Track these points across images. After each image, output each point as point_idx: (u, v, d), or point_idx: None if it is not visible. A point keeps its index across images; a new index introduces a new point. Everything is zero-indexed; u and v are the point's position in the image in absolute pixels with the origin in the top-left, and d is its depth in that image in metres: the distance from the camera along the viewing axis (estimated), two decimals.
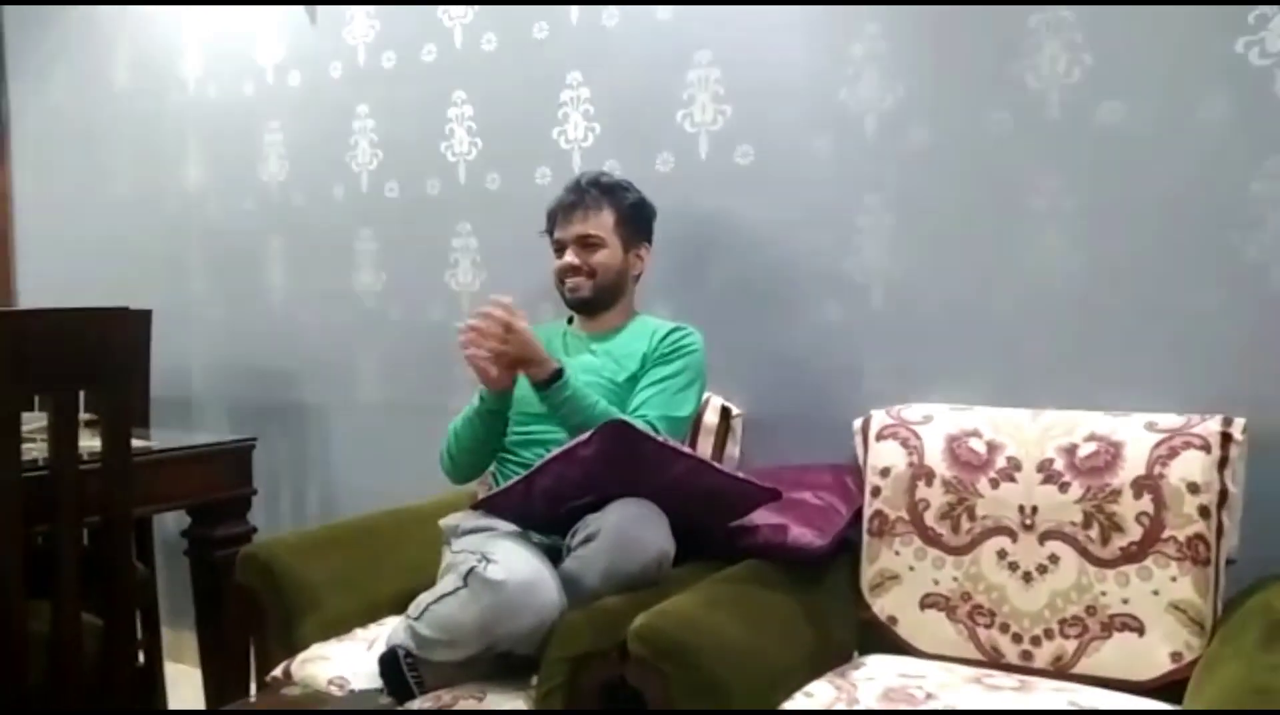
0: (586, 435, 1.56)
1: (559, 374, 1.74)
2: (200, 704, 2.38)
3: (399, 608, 1.87)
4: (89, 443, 1.91)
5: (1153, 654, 1.53)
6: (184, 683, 2.53)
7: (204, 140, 2.96)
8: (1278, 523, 1.60)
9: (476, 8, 2.45)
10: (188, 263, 3.00)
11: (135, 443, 1.99)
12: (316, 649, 1.77)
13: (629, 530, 1.55)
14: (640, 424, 1.63)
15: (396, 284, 2.64)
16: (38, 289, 3.36)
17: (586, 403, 1.75)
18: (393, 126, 2.62)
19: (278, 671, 1.74)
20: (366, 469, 2.68)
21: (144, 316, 2.63)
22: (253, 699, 2.12)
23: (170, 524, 2.74)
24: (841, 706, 1.45)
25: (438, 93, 2.53)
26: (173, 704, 2.46)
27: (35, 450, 1.93)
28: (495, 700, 1.53)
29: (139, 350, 2.58)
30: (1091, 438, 1.63)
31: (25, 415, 1.84)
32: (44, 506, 1.80)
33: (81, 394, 1.92)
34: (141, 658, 2.23)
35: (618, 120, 2.29)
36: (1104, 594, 1.57)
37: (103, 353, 1.88)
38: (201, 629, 2.28)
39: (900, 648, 1.72)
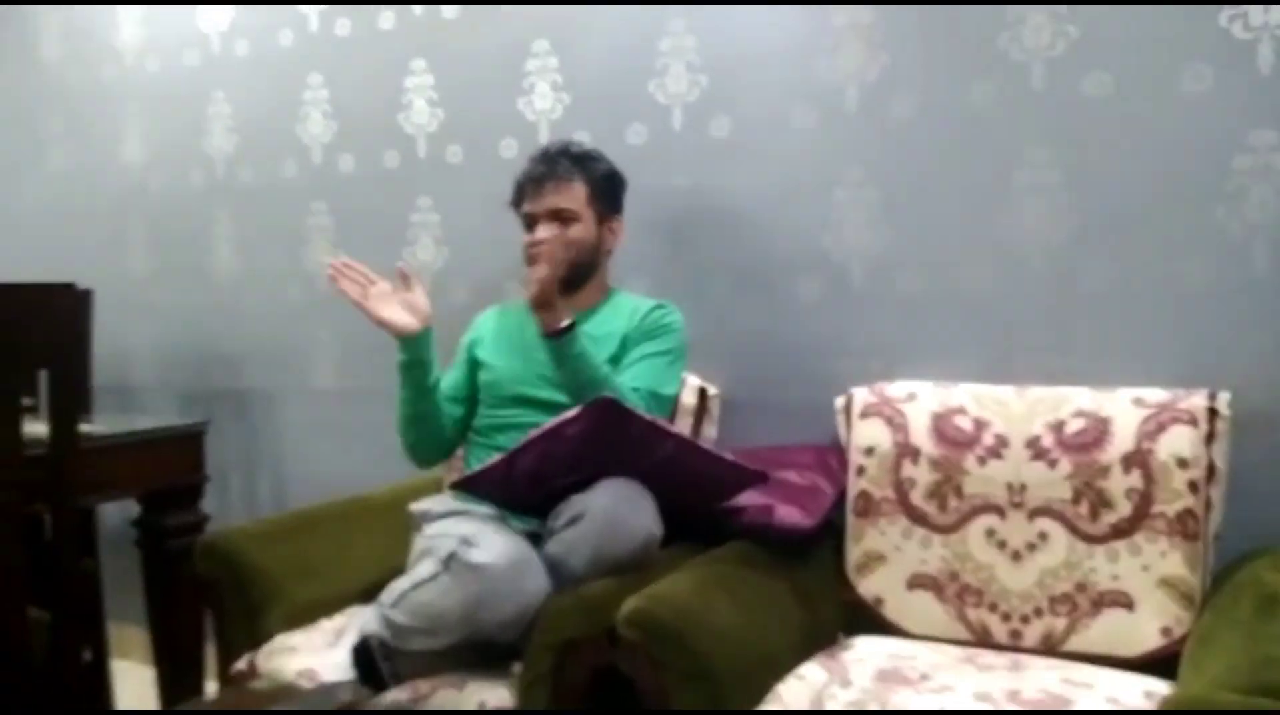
0: (574, 412, 1.50)
1: (573, 326, 1.68)
2: (149, 701, 2.27)
3: (365, 596, 1.80)
4: (30, 428, 1.79)
5: (1142, 630, 1.53)
6: (130, 680, 2.42)
7: (144, 112, 2.81)
8: (1261, 497, 1.61)
9: None
10: (128, 241, 2.85)
11: (80, 428, 1.87)
12: (281, 640, 1.68)
13: (617, 512, 1.50)
14: (629, 402, 1.57)
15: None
16: None
17: (595, 361, 1.70)
18: (347, 97, 2.51)
19: (242, 664, 1.66)
20: (320, 456, 2.58)
21: (86, 296, 2.50)
22: (211, 694, 2.03)
23: (112, 514, 2.61)
24: (836, 689, 1.42)
25: (395, 61, 2.43)
26: (120, 703, 2.35)
27: None
28: (476, 690, 1.47)
29: (84, 331, 2.45)
30: (1079, 413, 1.62)
31: None
32: None
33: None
34: (88, 654, 2.11)
35: (587, 91, 2.22)
36: (1094, 570, 1.56)
37: (48, 332, 1.76)
38: (153, 623, 2.17)
39: (887, 628, 1.70)
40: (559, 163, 1.89)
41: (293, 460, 2.64)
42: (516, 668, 1.48)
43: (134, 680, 2.40)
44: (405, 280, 1.86)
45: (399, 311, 1.81)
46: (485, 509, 1.68)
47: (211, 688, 2.12)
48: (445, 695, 1.47)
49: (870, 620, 1.71)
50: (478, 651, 1.51)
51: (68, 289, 1.82)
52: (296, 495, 2.57)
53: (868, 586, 1.72)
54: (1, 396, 1.71)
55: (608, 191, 1.92)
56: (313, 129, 2.55)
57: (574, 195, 1.87)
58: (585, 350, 1.70)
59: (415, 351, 1.82)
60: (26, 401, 1.87)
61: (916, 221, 1.91)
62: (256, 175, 2.65)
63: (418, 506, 1.79)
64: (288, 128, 2.58)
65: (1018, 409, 1.67)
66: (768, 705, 1.39)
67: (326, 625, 1.74)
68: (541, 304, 1.67)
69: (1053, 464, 1.60)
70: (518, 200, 1.93)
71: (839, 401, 1.84)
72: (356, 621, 1.62)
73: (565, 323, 1.68)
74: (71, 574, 1.81)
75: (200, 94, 2.70)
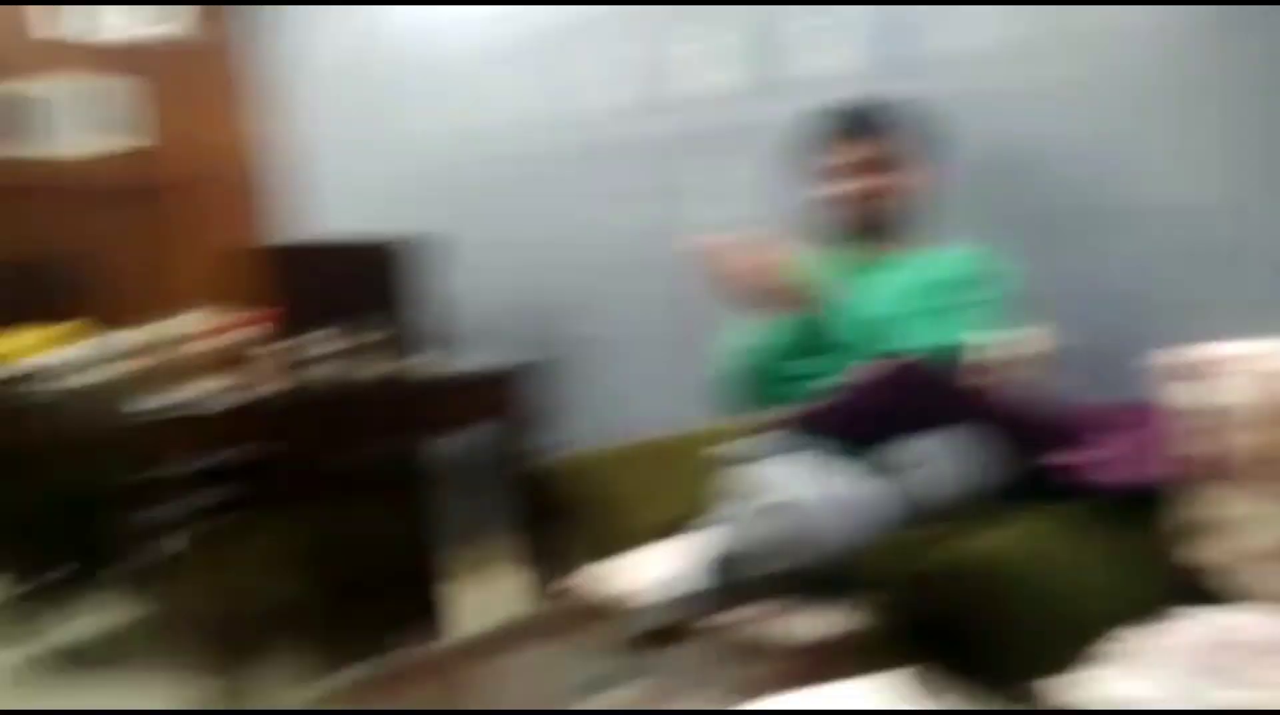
0: (890, 366, 1.54)
1: (822, 307, 1.72)
2: (482, 617, 2.48)
3: (693, 525, 1.93)
4: (380, 366, 2.06)
5: None
6: (483, 594, 2.62)
7: (496, 71, 3.05)
8: None
9: None
10: (476, 193, 3.14)
11: (424, 364, 2.13)
12: (627, 557, 1.85)
13: (941, 462, 1.53)
14: (945, 354, 1.60)
15: (668, 220, 2.67)
16: (332, 223, 3.61)
17: (867, 335, 1.73)
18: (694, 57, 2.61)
19: (586, 578, 1.84)
20: (647, 398, 2.76)
21: (428, 244, 2.78)
22: (548, 605, 2.26)
23: (455, 444, 2.93)
24: (1161, 654, 1.39)
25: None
26: (459, 619, 2.52)
27: (325, 372, 2.08)
28: (802, 622, 1.57)
29: (424, 276, 2.74)
30: None
31: (315, 337, 2.01)
32: (339, 427, 1.97)
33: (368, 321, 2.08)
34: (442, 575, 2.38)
35: (898, 40, 2.20)
36: None
37: (391, 278, 2.03)
38: (509, 540, 2.43)
39: (1220, 599, 1.61)
40: (865, 114, 1.91)
41: (618, 403, 2.84)
42: (842, 602, 1.55)
43: (491, 593, 2.64)
44: (781, 249, 1.86)
45: (782, 288, 1.80)
46: (807, 449, 1.76)
47: (547, 604, 2.33)
48: (770, 624, 1.57)
49: (1203, 589, 1.63)
50: (810, 580, 1.60)
51: (407, 241, 2.08)
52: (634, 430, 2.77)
53: (1201, 555, 1.65)
54: (352, 336, 1.99)
55: (915, 139, 1.92)
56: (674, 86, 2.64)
57: (885, 143, 1.89)
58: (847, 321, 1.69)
59: (797, 330, 1.85)
60: (376, 338, 2.13)
61: (1256, 168, 1.76)
62: (600, 133, 2.83)
63: (741, 443, 1.90)
64: (648, 85, 2.70)
65: None
66: (1091, 664, 1.38)
67: (659, 549, 1.90)
68: (774, 304, 1.71)
69: None
70: (825, 150, 1.96)
71: (1179, 358, 1.75)
72: (687, 547, 1.76)
73: (811, 301, 1.71)
74: (419, 496, 2.10)
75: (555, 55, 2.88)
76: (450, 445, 2.91)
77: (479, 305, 3.15)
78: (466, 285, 3.07)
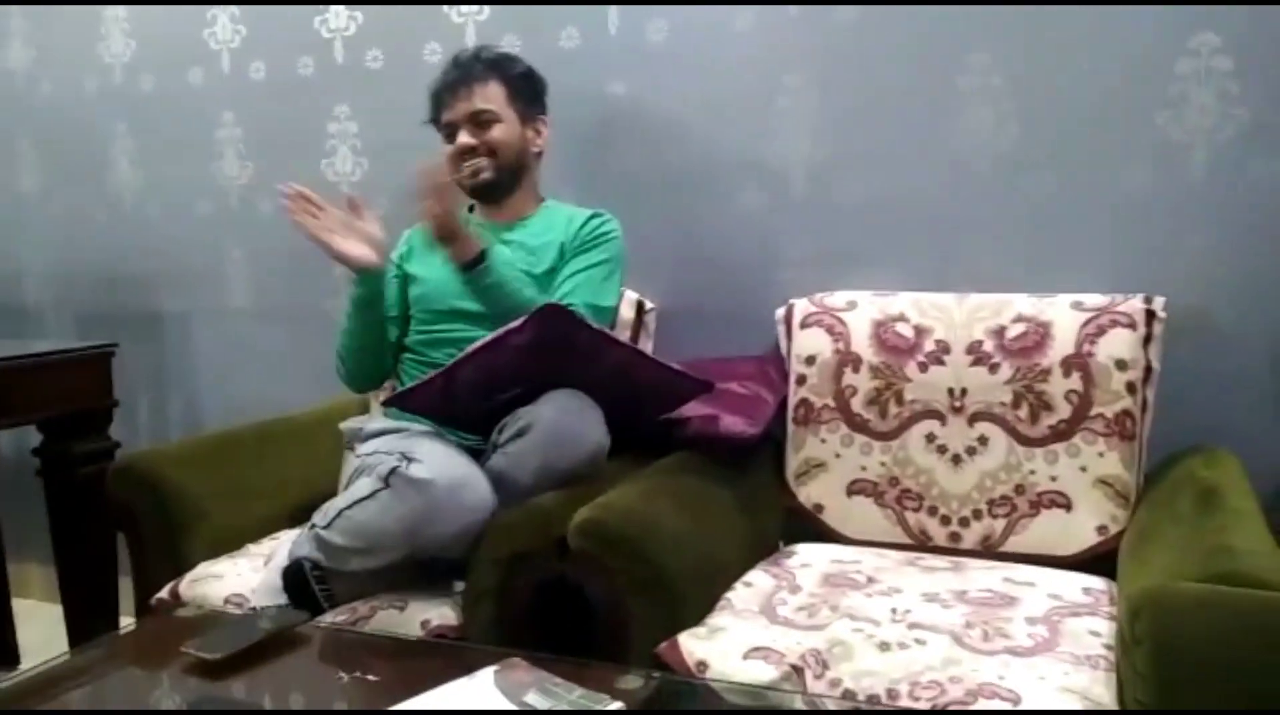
0: (519, 322, 1.43)
1: (484, 255, 1.60)
2: (57, 639, 2.15)
3: (293, 520, 1.74)
4: None
5: (1080, 528, 1.56)
6: (35, 618, 2.30)
7: (31, 14, 2.59)
8: (1188, 398, 1.65)
9: None
10: (15, 153, 2.65)
11: None
12: (205, 567, 1.61)
13: (564, 423, 1.46)
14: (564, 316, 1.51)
15: (266, 175, 2.39)
16: None
17: (514, 288, 1.62)
18: None
19: (164, 594, 1.57)
20: (236, 379, 2.47)
21: None
22: (128, 627, 1.94)
23: (6, 444, 2.46)
24: (785, 594, 1.41)
25: None
26: (25, 641, 2.23)
27: None
28: (418, 609, 1.42)
29: None
30: (1020, 319, 1.62)
31: None
32: None
33: None
34: None
35: None
36: (1033, 472, 1.58)
37: None
38: (59, 558, 2.06)
39: (826, 535, 1.70)
40: (473, 66, 1.81)
41: (207, 384, 2.52)
42: (459, 585, 1.43)
43: (39, 618, 2.29)
44: (356, 209, 1.73)
45: (358, 244, 1.69)
46: (422, 425, 1.62)
47: (128, 623, 2.02)
48: (386, 616, 1.41)
49: (810, 527, 1.71)
50: (417, 570, 1.47)
51: None
52: (212, 421, 2.46)
53: (808, 493, 1.72)
54: None
55: (526, 90, 1.84)
56: (220, 33, 2.38)
57: (491, 96, 1.79)
58: (502, 278, 1.62)
59: (375, 285, 1.72)
60: None
61: (858, 128, 1.87)
62: (158, 83, 2.47)
63: (351, 424, 1.72)
64: (193, 32, 2.40)
65: (958, 316, 1.66)
66: (719, 611, 1.38)
67: (254, 550, 1.67)
68: (444, 238, 1.59)
69: (994, 369, 1.61)
70: (436, 112, 1.83)
71: (779, 312, 1.82)
72: (286, 545, 1.55)
73: (475, 253, 1.60)
74: None
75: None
76: (8, 445, 2.44)
77: (26, 281, 2.66)
78: (8, 257, 2.57)
